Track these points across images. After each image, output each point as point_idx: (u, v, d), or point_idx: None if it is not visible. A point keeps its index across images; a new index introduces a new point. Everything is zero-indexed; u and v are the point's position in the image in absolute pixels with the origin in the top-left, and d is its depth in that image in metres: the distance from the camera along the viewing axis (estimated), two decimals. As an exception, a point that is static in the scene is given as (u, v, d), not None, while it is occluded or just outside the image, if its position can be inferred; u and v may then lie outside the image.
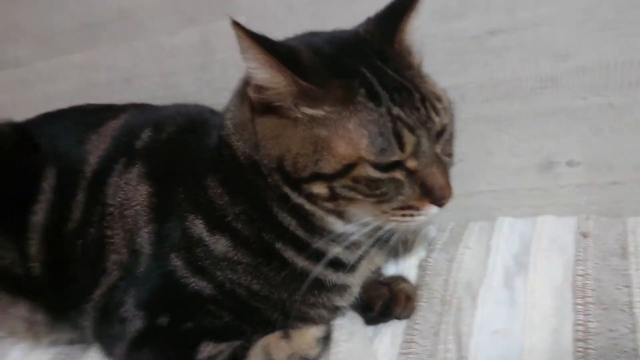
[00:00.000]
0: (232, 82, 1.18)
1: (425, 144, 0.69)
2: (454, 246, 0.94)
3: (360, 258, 0.83)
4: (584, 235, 0.88)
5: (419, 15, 0.76)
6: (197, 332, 0.80)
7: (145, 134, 0.93)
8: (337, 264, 0.80)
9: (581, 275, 0.81)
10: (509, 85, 0.99)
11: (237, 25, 0.66)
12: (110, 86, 1.34)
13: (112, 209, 0.88)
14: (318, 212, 0.74)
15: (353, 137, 0.67)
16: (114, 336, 0.84)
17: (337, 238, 0.77)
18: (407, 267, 0.97)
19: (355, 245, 0.80)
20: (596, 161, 0.98)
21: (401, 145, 0.67)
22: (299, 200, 0.72)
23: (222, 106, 0.97)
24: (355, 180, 0.68)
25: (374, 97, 0.68)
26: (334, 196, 0.70)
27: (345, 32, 0.80)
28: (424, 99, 0.70)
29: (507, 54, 0.97)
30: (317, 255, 0.77)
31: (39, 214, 0.94)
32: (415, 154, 0.68)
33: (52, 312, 0.95)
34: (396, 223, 0.71)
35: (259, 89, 0.71)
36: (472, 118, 1.00)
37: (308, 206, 0.73)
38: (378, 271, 0.94)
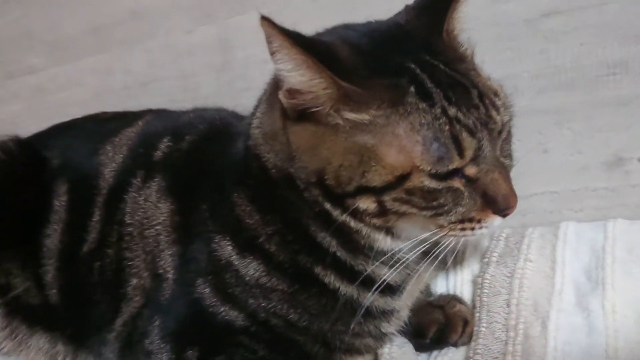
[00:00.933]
0: (255, 81, 1.11)
1: (487, 147, 0.61)
2: (512, 259, 0.83)
3: (408, 277, 0.75)
4: (667, 243, 0.77)
5: (469, -1, 0.67)
6: (230, 368, 0.73)
7: (164, 144, 0.86)
8: (383, 287, 0.71)
9: (672, 294, 0.70)
10: (569, 73, 0.89)
11: (267, 21, 0.57)
12: (127, 90, 1.31)
13: (131, 229, 0.82)
14: (364, 230, 0.65)
15: (405, 144, 0.59)
16: (139, 370, 0.78)
17: (384, 258, 0.69)
18: (459, 283, 0.87)
19: (403, 264, 0.70)
20: (673, 156, 0.89)
21: (460, 151, 0.59)
22: (342, 217, 0.64)
23: (245, 108, 0.90)
24: (410, 192, 0.60)
25: (426, 96, 0.60)
26: (383, 211, 0.62)
27: (383, 24, 0.71)
28: (482, 96, 0.62)
29: (566, 38, 0.88)
30: (362, 279, 0.69)
31: (53, 237, 0.88)
32: (475, 160, 0.60)
33: (73, 341, 0.89)
34: (454, 237, 0.64)
35: (293, 93, 0.62)
36: (527, 111, 0.86)
37: (353, 224, 0.65)
38: (427, 290, 0.85)
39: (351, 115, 0.61)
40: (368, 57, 0.63)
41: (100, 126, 0.99)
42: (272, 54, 0.60)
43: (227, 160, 0.77)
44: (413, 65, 0.62)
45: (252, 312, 0.72)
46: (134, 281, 0.80)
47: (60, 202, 0.89)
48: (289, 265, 0.69)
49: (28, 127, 1.06)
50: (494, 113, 0.62)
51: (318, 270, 0.69)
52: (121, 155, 0.89)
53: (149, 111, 1.01)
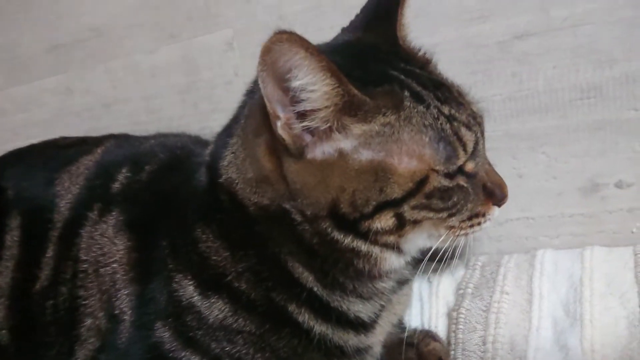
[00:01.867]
0: (221, 102, 1.11)
1: (480, 140, 0.64)
2: (488, 290, 0.81)
3: (381, 309, 0.73)
4: (647, 276, 0.74)
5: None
6: (191, 419, 0.69)
7: (122, 175, 0.83)
8: (357, 324, 0.70)
9: (653, 334, 0.67)
10: (542, 97, 0.87)
11: (288, 34, 0.54)
12: (89, 112, 1.26)
13: (86, 266, 0.78)
14: (374, 251, 0.65)
15: (414, 148, 0.60)
16: (95, 420, 0.74)
17: (364, 287, 0.69)
18: (434, 317, 0.84)
19: (376, 294, 0.70)
20: (650, 181, 0.86)
21: (464, 147, 0.62)
22: (353, 243, 0.63)
23: (211, 130, 0.87)
24: (428, 196, 0.61)
25: (419, 99, 0.62)
26: (401, 224, 0.62)
27: (337, 44, 0.71)
28: (460, 93, 0.66)
29: (539, 61, 0.86)
30: (337, 317, 0.68)
31: (5, 274, 0.84)
32: (473, 155, 0.63)
33: (23, 386, 0.85)
34: (464, 236, 0.66)
35: (307, 115, 0.59)
36: (500, 136, 0.89)
37: (364, 247, 0.64)
38: (400, 324, 0.82)
39: (359, 129, 0.60)
40: (351, 70, 0.61)
41: (58, 153, 0.95)
42: (286, 72, 0.57)
43: (189, 193, 0.74)
44: (395, 73, 0.63)
45: (215, 357, 0.68)
46: (88, 322, 0.76)
47: (12, 237, 0.85)
48: (261, 303, 0.66)
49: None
50: (474, 108, 0.65)
51: (292, 307, 0.66)
52: (77, 186, 0.85)
53: (111, 136, 0.98)
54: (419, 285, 0.87)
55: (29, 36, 1.25)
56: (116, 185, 0.82)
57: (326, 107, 0.59)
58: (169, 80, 1.14)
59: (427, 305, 0.86)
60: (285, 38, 0.54)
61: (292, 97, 0.59)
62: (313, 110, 0.59)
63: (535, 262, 0.83)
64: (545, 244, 0.91)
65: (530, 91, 0.87)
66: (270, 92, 0.58)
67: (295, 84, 0.57)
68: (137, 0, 1.12)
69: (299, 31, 1.00)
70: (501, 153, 0.89)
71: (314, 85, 0.57)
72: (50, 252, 0.82)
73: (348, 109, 0.59)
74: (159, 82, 1.15)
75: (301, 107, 0.59)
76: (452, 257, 0.68)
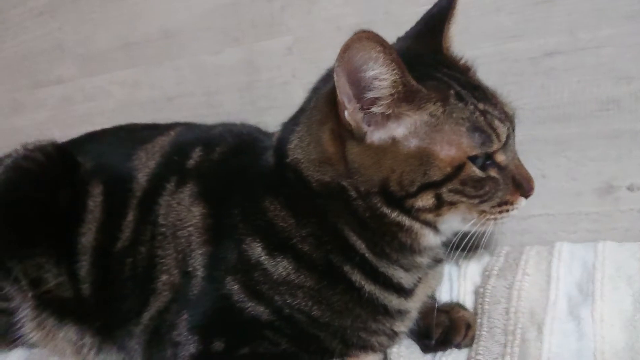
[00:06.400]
0: (277, 100, 1.20)
1: (511, 136, 0.73)
2: (512, 272, 0.90)
3: (418, 281, 0.83)
4: (651, 264, 0.84)
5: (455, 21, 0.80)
6: (253, 359, 0.78)
7: (196, 154, 0.92)
8: (399, 289, 0.80)
9: (654, 308, 0.77)
10: (567, 107, 0.96)
11: (368, 32, 0.66)
12: (153, 104, 1.35)
13: (164, 229, 0.87)
14: (416, 226, 0.74)
15: (454, 137, 0.69)
16: (165, 360, 0.82)
17: (405, 259, 0.78)
18: (462, 293, 0.94)
19: (415, 267, 0.80)
20: (659, 186, 0.95)
21: (497, 135, 0.71)
22: (399, 218, 0.73)
23: (266, 124, 0.96)
24: (463, 182, 0.70)
25: (460, 97, 0.71)
26: (439, 204, 0.71)
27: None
28: (493, 95, 0.75)
29: (565, 76, 0.95)
30: (383, 280, 0.77)
31: (88, 235, 0.93)
32: (504, 147, 0.72)
33: (100, 333, 0.94)
34: (494, 221, 0.74)
35: (373, 102, 0.70)
36: (527, 140, 0.96)
37: (407, 222, 0.73)
38: (433, 296, 0.92)
39: (412, 117, 0.70)
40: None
41: (132, 134, 1.05)
42: (362, 64, 0.67)
43: (256, 171, 0.84)
44: (439, 75, 0.73)
45: (277, 308, 0.77)
46: (164, 277, 0.85)
47: (94, 202, 0.94)
48: (320, 263, 0.76)
49: (52, 135, 1.09)
50: (506, 108, 0.75)
51: (347, 268, 0.76)
52: (154, 162, 0.95)
53: (178, 124, 1.06)
54: (449, 268, 0.97)
55: (103, 33, 1.35)
56: (191, 162, 0.91)
57: (390, 94, 0.69)
58: (230, 79, 1.23)
59: (455, 284, 0.95)
60: (365, 36, 0.65)
61: (363, 88, 0.69)
62: (378, 98, 0.69)
63: (554, 251, 0.93)
64: (563, 239, 0.98)
65: (556, 102, 0.96)
66: (342, 84, 0.69)
67: (370, 73, 0.68)
68: (205, 8, 1.22)
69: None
70: (528, 155, 0.93)
71: (385, 74, 0.68)
72: (130, 217, 0.91)
73: (406, 97, 0.69)
74: (221, 80, 1.24)
75: (370, 95, 0.70)
76: (479, 246, 0.77)
